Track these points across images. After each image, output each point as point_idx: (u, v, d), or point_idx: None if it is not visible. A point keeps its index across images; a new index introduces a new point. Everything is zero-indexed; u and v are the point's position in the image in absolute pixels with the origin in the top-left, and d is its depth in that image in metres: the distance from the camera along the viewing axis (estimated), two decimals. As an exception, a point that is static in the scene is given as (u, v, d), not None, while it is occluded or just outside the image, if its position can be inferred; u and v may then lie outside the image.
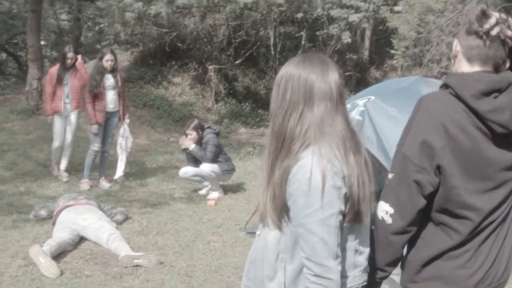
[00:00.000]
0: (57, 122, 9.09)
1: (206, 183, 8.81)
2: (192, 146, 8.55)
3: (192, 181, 8.96)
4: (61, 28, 22.38)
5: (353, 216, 2.17)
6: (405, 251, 2.46)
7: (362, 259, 2.28)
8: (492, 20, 2.23)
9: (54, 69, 9.09)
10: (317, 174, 2.08)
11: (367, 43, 18.57)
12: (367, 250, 2.31)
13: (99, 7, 16.08)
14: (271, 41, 17.55)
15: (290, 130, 2.20)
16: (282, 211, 2.20)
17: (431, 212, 2.35)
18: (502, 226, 2.37)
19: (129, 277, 5.47)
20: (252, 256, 2.36)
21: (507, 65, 2.34)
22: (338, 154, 2.14)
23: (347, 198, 2.14)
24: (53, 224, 6.51)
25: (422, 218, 2.36)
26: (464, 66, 2.35)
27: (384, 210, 2.32)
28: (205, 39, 18.12)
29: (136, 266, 5.68)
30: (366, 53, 18.55)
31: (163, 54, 18.41)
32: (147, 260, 5.74)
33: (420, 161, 2.25)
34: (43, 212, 7.05)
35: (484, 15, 2.25)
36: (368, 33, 18.20)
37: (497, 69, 2.32)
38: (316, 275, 2.10)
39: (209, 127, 8.84)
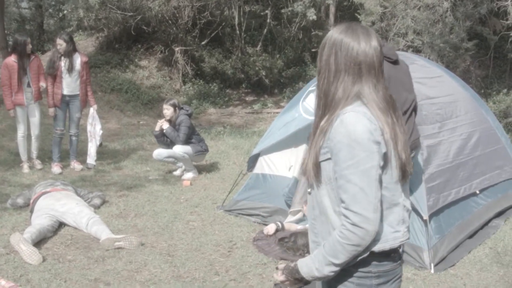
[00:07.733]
0: (20, 114, 8.82)
1: (180, 164, 8.87)
2: (166, 126, 8.60)
3: (166, 162, 9.02)
4: (23, 16, 22.02)
5: (401, 175, 2.31)
6: None
7: (407, 216, 2.41)
8: None
9: (10, 60, 8.63)
10: (358, 128, 2.20)
11: (332, 19, 18.56)
12: (410, 208, 2.43)
13: (61, -8, 15.87)
14: (236, 21, 17.51)
15: (333, 94, 2.31)
16: (318, 168, 2.31)
17: None
18: None
19: (111, 259, 5.52)
20: (314, 212, 2.42)
21: None
22: (380, 115, 2.26)
23: (387, 157, 2.26)
24: (31, 211, 6.51)
25: None
26: None
27: None
28: (170, 21, 18.01)
29: (118, 248, 5.74)
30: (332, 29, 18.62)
31: (129, 38, 18.30)
32: (128, 242, 5.79)
33: None
34: (20, 200, 7.04)
35: None
36: (332, 9, 18.18)
37: None
38: (353, 224, 2.20)
39: (182, 108, 8.88)
